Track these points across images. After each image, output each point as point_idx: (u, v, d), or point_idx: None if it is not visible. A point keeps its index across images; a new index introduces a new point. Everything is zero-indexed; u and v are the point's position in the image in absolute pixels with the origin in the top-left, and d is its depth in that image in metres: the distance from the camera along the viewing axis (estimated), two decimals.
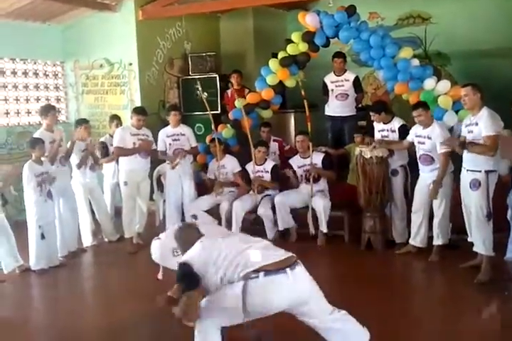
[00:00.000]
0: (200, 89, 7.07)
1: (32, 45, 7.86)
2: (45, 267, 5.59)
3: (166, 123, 7.03)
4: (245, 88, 7.89)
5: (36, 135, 5.84)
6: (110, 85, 8.24)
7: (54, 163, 5.81)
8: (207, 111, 6.91)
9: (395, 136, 5.93)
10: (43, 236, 5.53)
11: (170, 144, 6.82)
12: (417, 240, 5.67)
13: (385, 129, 6.00)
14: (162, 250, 3.99)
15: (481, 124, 4.76)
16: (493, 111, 4.80)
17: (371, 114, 6.02)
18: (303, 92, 6.27)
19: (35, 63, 8.13)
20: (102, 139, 6.93)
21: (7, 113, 7.73)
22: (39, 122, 7.99)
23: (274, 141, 7.26)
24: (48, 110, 5.97)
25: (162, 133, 6.84)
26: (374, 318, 3.97)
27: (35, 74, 8.15)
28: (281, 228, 6.35)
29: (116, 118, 7.00)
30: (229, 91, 8.07)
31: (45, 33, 8.07)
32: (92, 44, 8.19)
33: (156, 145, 6.69)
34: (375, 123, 6.13)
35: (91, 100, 8.44)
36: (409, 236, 5.76)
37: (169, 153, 6.78)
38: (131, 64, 8.03)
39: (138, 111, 6.41)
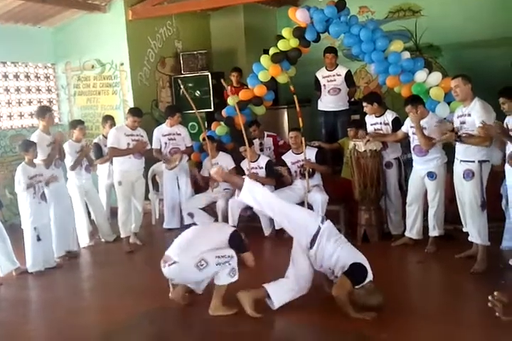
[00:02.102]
0: (182, 87, 7.08)
1: (22, 48, 7.84)
2: (42, 269, 5.59)
3: (159, 123, 7.03)
4: (244, 85, 7.88)
5: (33, 137, 5.82)
6: (102, 86, 8.23)
7: (49, 166, 5.80)
8: (201, 109, 6.92)
9: (388, 129, 5.94)
10: (38, 238, 5.52)
11: (165, 143, 6.84)
12: (413, 232, 5.69)
13: (377, 122, 6.01)
14: (185, 272, 4.19)
15: (474, 115, 4.77)
16: (484, 102, 4.81)
17: (364, 104, 6.02)
18: (292, 88, 6.28)
19: (26, 66, 8.11)
20: (95, 140, 6.92)
21: None
22: (32, 125, 8.03)
23: (268, 136, 7.27)
24: (45, 111, 5.96)
25: (157, 132, 6.86)
26: (372, 310, 4.00)
27: (27, 76, 8.13)
28: (277, 227, 6.26)
29: (109, 119, 6.99)
30: (228, 89, 8.06)
31: (35, 35, 8.06)
32: (83, 45, 8.17)
33: (151, 144, 6.70)
34: (367, 117, 6.13)
35: (83, 101, 8.42)
36: (405, 228, 5.78)
37: (165, 153, 6.80)
38: (122, 64, 8.01)
39: (134, 112, 6.39)
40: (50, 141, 5.87)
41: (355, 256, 4.18)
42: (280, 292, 4.17)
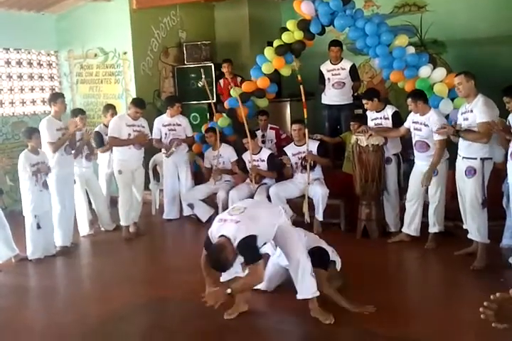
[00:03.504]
0: (203, 76, 7.07)
1: (26, 35, 7.80)
2: (42, 257, 5.60)
3: (161, 113, 7.02)
4: (237, 76, 7.88)
5: (43, 121, 5.83)
6: (105, 75, 8.20)
7: (57, 151, 5.78)
8: (203, 100, 6.95)
9: (389, 124, 5.93)
10: (38, 226, 5.53)
11: (166, 134, 6.85)
12: (411, 228, 5.67)
13: (378, 117, 6.00)
14: None
15: (476, 111, 4.77)
16: (488, 98, 4.80)
17: (364, 101, 6.01)
18: (299, 77, 6.24)
19: (29, 53, 8.08)
20: (96, 129, 6.89)
21: (1, 103, 7.69)
22: (34, 112, 8.03)
23: (271, 128, 7.27)
24: (57, 97, 5.95)
25: (158, 122, 6.87)
26: (371, 305, 4.01)
27: (30, 64, 8.10)
28: None
29: (111, 108, 6.96)
30: (221, 81, 8.06)
31: (38, 22, 8.01)
32: (86, 33, 8.13)
33: (152, 135, 6.69)
34: (368, 112, 6.12)
35: (86, 90, 8.40)
36: (402, 224, 5.78)
37: (165, 142, 6.81)
38: (125, 53, 7.98)
39: (137, 103, 6.37)
40: (60, 126, 5.86)
41: (308, 243, 4.20)
42: None
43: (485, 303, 1.88)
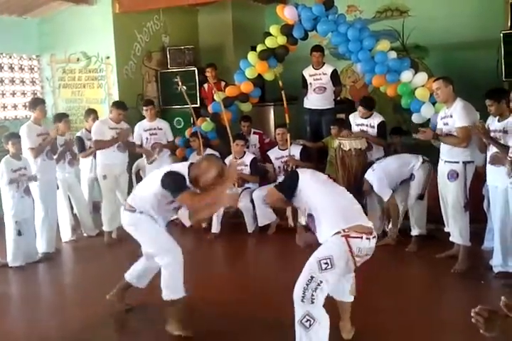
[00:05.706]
0: (179, 82, 7.05)
1: (7, 39, 7.71)
2: (23, 264, 5.52)
3: (144, 117, 7.01)
4: (222, 81, 7.89)
5: (23, 127, 5.80)
6: (87, 79, 8.15)
7: (39, 156, 5.73)
8: (187, 104, 6.92)
9: (374, 132, 5.97)
10: (19, 233, 5.46)
11: (147, 138, 6.83)
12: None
13: (364, 124, 6.04)
14: None
15: (454, 116, 4.82)
16: (467, 103, 4.85)
17: (361, 109, 6.03)
18: (281, 84, 6.27)
19: (10, 57, 8.00)
20: (78, 134, 6.85)
21: None
22: (15, 116, 7.94)
23: (254, 133, 7.28)
24: (37, 103, 5.94)
25: (138, 127, 6.86)
26: (354, 308, 4.01)
27: (11, 68, 8.02)
28: (261, 224, 6.28)
29: (92, 113, 6.93)
30: (205, 86, 8.05)
31: (20, 26, 7.93)
32: (69, 37, 8.07)
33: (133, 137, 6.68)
34: (351, 117, 6.15)
35: (68, 94, 8.34)
36: (384, 229, 5.81)
37: (146, 147, 6.79)
38: (108, 57, 7.94)
39: (118, 105, 6.38)
40: (41, 132, 5.82)
41: None
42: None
43: (477, 309, 1.87)
